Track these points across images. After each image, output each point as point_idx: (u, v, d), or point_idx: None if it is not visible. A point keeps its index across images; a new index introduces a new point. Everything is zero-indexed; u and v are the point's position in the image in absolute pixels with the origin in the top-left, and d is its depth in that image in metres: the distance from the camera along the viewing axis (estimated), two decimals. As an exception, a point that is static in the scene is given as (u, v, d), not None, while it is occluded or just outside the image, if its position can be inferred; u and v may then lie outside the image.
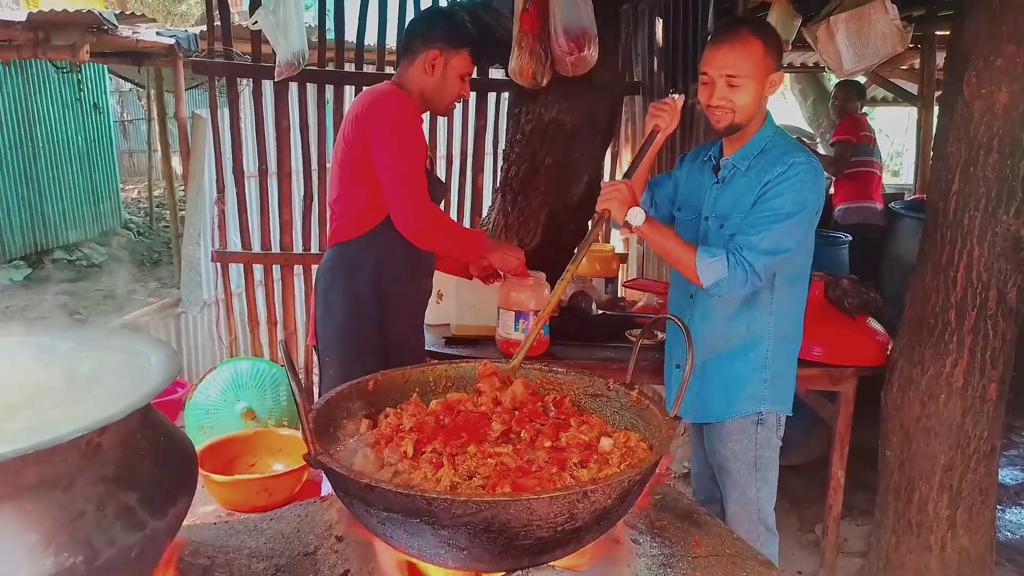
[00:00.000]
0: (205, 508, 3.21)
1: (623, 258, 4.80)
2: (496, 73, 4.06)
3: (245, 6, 3.99)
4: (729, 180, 2.07)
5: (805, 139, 7.12)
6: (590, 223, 2.04)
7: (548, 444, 1.51)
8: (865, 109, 5.56)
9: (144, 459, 1.13)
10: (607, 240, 4.37)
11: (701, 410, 2.18)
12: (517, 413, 1.63)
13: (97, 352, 1.33)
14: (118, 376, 1.25)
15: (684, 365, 2.16)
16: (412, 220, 2.23)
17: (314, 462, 1.28)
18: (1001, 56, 2.28)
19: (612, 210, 1.92)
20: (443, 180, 2.63)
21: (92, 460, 1.03)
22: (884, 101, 8.65)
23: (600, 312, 3.15)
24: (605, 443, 1.54)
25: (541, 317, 1.86)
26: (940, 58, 5.36)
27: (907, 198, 5.59)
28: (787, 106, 10.40)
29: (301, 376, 4.27)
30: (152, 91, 8.72)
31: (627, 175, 2.04)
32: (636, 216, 1.93)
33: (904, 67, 6.36)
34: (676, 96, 2.08)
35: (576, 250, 1.87)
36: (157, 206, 11.78)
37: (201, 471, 3.24)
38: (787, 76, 8.27)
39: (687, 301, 2.20)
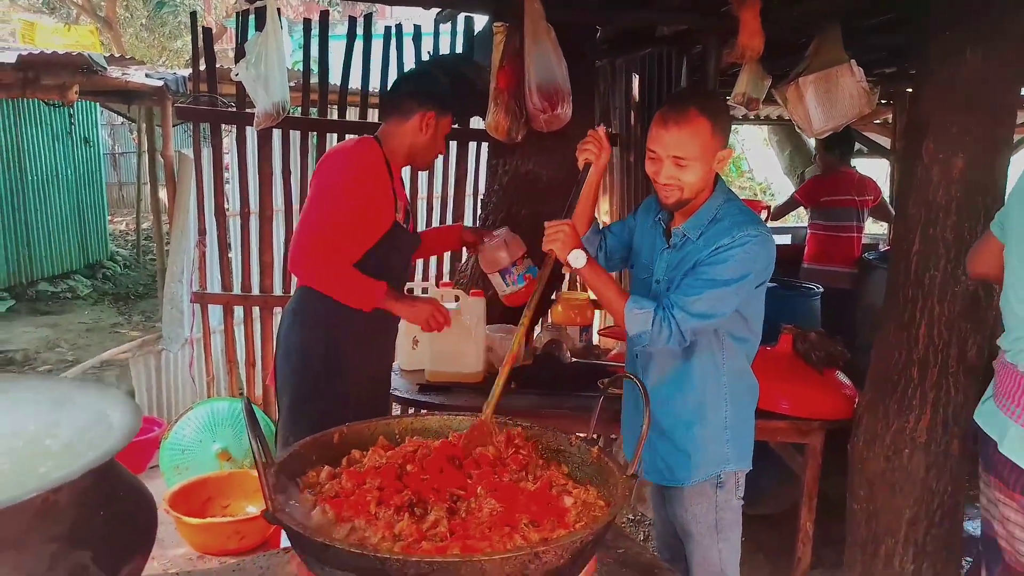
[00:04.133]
0: (176, 551, 3.18)
1: (598, 305, 4.83)
2: (477, 122, 4.14)
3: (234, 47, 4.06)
4: (680, 247, 2.06)
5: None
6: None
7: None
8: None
9: (100, 517, 1.14)
10: (584, 288, 4.41)
11: (666, 474, 2.17)
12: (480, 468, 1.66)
13: (60, 407, 1.35)
14: (80, 431, 1.28)
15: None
16: (298, 261, 2.27)
17: (272, 519, 1.31)
18: (955, 125, 2.37)
19: (556, 251, 1.94)
20: (416, 234, 2.65)
21: (45, 519, 1.04)
22: (859, 153, 8.80)
23: (573, 360, 3.18)
24: (567, 500, 1.58)
25: (505, 368, 1.84)
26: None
27: (881, 248, 5.66)
28: (767, 155, 10.58)
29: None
30: (143, 125, 8.79)
31: (567, 214, 2.00)
32: (577, 258, 1.95)
33: (878, 121, 6.52)
34: (599, 128, 2.06)
35: (531, 296, 1.91)
36: (145, 239, 11.79)
37: (173, 513, 3.22)
38: (765, 127, 8.42)
39: (635, 363, 2.20)
